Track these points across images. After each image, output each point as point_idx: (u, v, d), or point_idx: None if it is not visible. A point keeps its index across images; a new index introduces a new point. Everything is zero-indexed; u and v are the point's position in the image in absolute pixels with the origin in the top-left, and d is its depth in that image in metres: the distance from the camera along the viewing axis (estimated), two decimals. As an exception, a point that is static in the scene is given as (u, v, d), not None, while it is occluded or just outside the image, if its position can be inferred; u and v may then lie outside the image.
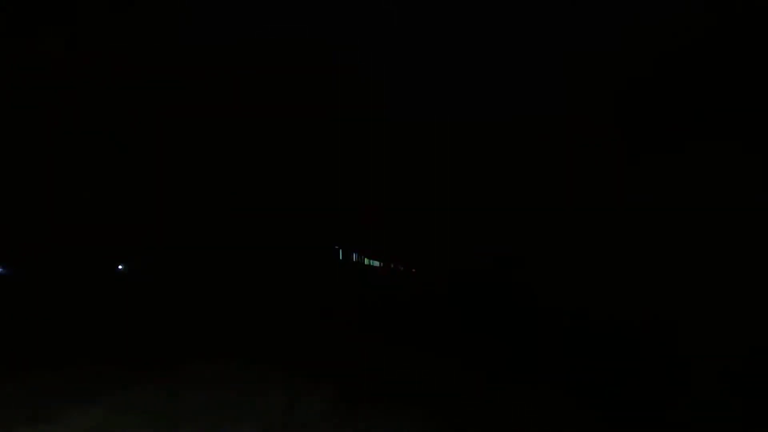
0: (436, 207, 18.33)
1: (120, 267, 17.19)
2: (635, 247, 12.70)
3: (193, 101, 18.47)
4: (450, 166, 17.37)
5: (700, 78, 12.03)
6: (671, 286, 10.61)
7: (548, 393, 5.83)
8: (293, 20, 18.93)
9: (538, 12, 16.16)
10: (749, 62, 11.46)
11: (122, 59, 17.67)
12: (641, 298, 10.85)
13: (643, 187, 12.52)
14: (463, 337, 8.89)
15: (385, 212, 20.28)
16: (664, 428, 4.75)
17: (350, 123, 18.98)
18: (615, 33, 14.08)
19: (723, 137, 11.60)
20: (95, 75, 17.42)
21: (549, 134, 15.03)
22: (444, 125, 17.66)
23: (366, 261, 20.37)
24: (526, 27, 16.44)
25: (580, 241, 13.52)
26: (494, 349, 8.36)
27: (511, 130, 15.98)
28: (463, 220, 16.71)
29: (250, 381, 6.40)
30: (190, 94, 18.48)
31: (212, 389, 6.15)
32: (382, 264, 20.42)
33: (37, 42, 16.59)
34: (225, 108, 18.73)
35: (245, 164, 19.34)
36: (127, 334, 9.14)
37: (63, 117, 17.28)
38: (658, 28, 12.98)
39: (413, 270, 19.86)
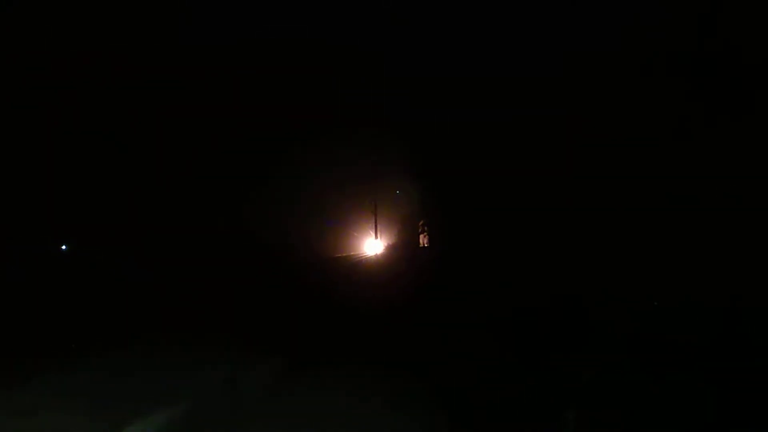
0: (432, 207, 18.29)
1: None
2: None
3: (193, 101, 18.43)
4: (449, 166, 17.37)
5: (701, 77, 12.06)
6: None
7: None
8: (293, 20, 18.92)
9: (538, 12, 16.19)
10: (750, 62, 11.50)
11: (122, 59, 17.64)
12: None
13: (643, 187, 12.54)
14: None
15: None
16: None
17: (350, 123, 18.97)
18: (615, 33, 14.12)
19: (722, 137, 11.65)
20: (95, 75, 17.39)
21: (548, 134, 15.07)
22: (444, 125, 17.68)
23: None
24: (525, 27, 16.46)
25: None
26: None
27: (511, 130, 16.02)
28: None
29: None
30: (190, 94, 18.45)
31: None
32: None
33: (37, 42, 16.56)
34: (225, 108, 18.70)
35: (245, 164, 19.32)
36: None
37: (63, 117, 17.24)
38: (659, 28, 13.00)
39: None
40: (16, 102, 16.11)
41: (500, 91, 15.37)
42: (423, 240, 19.79)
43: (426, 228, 19.35)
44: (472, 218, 15.39)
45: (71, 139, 17.04)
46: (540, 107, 14.57)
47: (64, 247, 18.81)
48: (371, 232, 20.77)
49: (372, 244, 20.86)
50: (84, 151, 17.22)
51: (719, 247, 10.48)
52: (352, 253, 20.86)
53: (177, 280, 14.19)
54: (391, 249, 20.36)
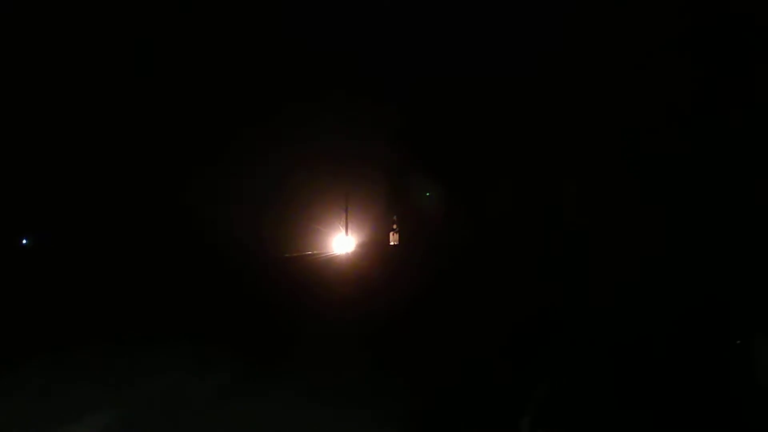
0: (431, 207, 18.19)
1: None
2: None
3: (193, 101, 18.46)
4: (450, 164, 17.36)
5: (699, 75, 12.00)
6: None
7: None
8: (293, 20, 18.93)
9: (536, 12, 16.16)
10: (748, 61, 11.43)
11: (124, 59, 17.70)
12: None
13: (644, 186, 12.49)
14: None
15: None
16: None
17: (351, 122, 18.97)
18: (615, 32, 14.06)
19: (722, 136, 11.58)
20: (95, 75, 17.45)
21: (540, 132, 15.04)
22: (442, 125, 17.68)
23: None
24: (524, 27, 16.43)
25: None
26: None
27: (510, 129, 16.01)
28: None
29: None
30: (190, 94, 18.47)
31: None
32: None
33: (40, 42, 16.63)
34: (225, 108, 18.73)
35: (245, 164, 19.32)
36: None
37: (63, 117, 17.30)
38: (657, 27, 12.95)
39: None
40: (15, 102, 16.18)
41: (498, 91, 15.37)
42: (393, 237, 18.48)
43: (396, 227, 17.84)
44: (449, 218, 15.08)
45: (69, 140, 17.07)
46: (539, 106, 14.54)
47: (24, 241, 18.24)
48: (341, 228, 18.51)
49: (342, 241, 18.47)
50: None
51: (718, 248, 10.42)
52: (318, 252, 18.42)
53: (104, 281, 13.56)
54: (364, 247, 18.29)
